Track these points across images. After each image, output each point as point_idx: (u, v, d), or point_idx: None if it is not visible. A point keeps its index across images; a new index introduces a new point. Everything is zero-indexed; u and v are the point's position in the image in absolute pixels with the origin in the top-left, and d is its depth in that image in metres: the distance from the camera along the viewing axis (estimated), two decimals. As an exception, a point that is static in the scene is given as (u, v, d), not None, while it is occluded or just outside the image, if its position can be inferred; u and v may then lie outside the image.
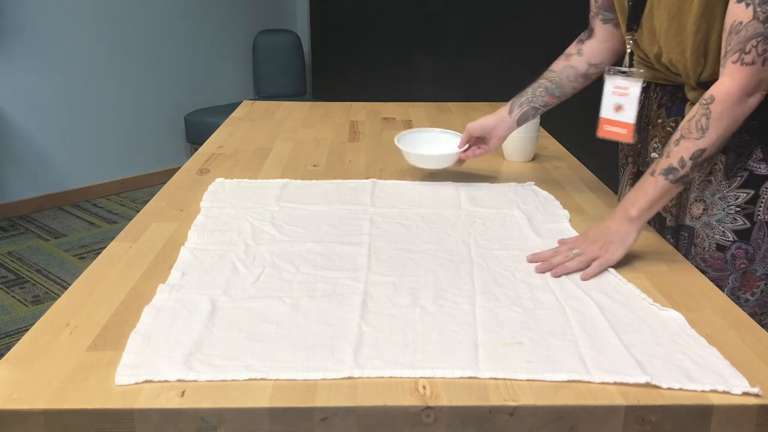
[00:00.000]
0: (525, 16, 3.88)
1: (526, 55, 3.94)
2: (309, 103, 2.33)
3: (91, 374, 0.81)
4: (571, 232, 1.26)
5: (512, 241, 1.22)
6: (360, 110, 2.25)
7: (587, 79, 1.42)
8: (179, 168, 1.64)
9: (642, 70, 1.30)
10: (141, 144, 4.33)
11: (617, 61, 1.37)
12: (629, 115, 1.30)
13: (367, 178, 1.55)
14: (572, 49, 1.44)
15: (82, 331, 0.91)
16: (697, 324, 0.94)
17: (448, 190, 1.49)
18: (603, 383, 0.81)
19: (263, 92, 4.77)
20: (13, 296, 2.98)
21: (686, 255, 1.24)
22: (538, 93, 1.43)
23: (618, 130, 1.32)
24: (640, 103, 1.31)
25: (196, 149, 2.00)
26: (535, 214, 1.34)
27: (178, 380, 0.80)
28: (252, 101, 2.37)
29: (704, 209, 1.22)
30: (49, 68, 3.84)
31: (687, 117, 1.12)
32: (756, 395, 0.78)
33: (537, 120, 1.67)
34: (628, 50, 1.30)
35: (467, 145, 1.51)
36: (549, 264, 1.11)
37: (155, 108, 4.37)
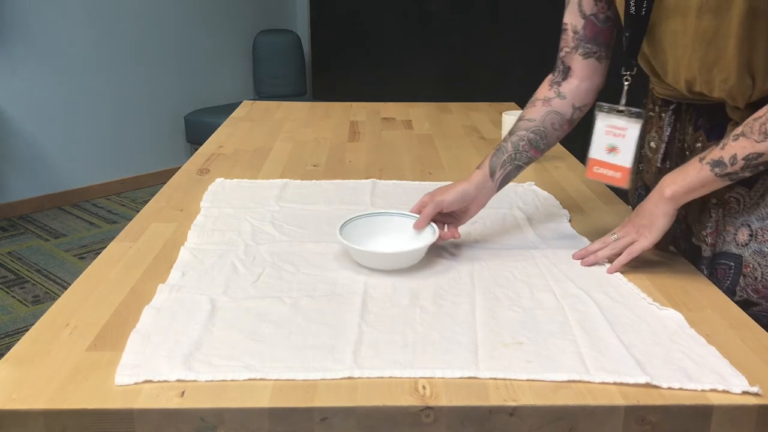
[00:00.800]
0: (525, 16, 3.88)
1: (526, 55, 3.94)
2: (309, 103, 2.33)
3: (91, 374, 0.81)
4: (571, 232, 1.26)
5: (512, 241, 1.22)
6: (360, 110, 2.25)
7: (571, 126, 1.24)
8: (179, 168, 1.64)
9: (641, 111, 1.16)
10: (141, 144, 4.33)
11: (605, 98, 1.23)
12: (625, 158, 1.16)
13: (366, 178, 1.55)
14: (548, 92, 1.23)
15: (82, 331, 0.91)
16: (697, 324, 0.94)
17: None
18: (603, 383, 0.81)
19: (263, 92, 4.77)
20: (13, 296, 2.98)
21: (732, 286, 1.11)
22: (521, 148, 1.20)
23: (610, 173, 1.18)
24: (638, 145, 1.17)
25: (196, 149, 2.00)
26: (535, 214, 1.35)
27: (178, 380, 0.80)
28: (252, 101, 2.37)
29: (751, 235, 1.09)
30: (50, 68, 3.84)
31: (754, 115, 1.01)
32: (756, 394, 0.78)
33: None
34: (626, 86, 1.17)
35: (432, 228, 1.16)
36: (585, 251, 1.10)
37: (155, 108, 4.37)
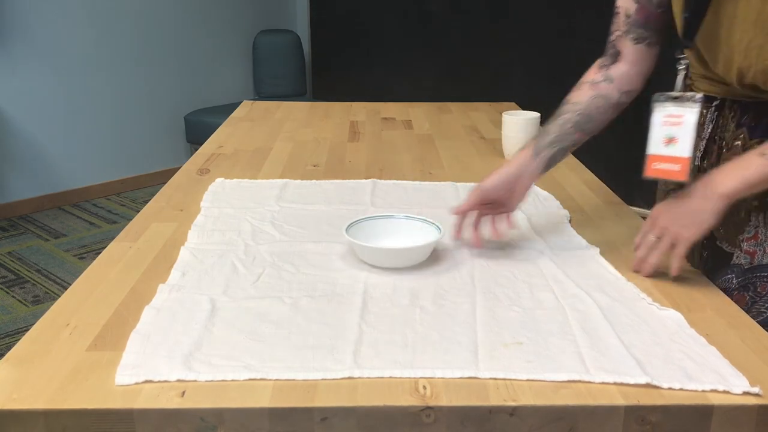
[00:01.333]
0: (525, 16, 3.88)
1: (526, 55, 3.95)
2: (309, 103, 2.33)
3: (91, 374, 0.81)
4: (571, 232, 1.26)
5: (512, 241, 1.22)
6: (360, 110, 2.25)
7: (618, 110, 1.22)
8: (179, 168, 1.64)
9: (698, 95, 1.09)
10: (141, 144, 4.33)
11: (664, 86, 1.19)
12: (684, 147, 1.08)
13: (366, 178, 1.55)
14: (596, 76, 1.22)
15: (82, 331, 0.91)
16: (697, 324, 0.94)
17: (447, 189, 1.49)
18: (603, 383, 0.81)
19: (263, 92, 4.77)
20: (13, 296, 2.98)
21: None
22: (567, 130, 1.18)
23: (669, 167, 1.10)
24: (696, 131, 1.09)
25: (196, 149, 2.00)
26: (535, 214, 1.34)
27: (178, 380, 0.80)
28: (252, 101, 2.37)
29: None
30: (50, 68, 3.84)
31: None
32: (756, 395, 0.78)
33: (537, 120, 1.67)
34: (681, 72, 1.13)
35: (436, 228, 1.14)
36: (639, 262, 1.05)
37: (155, 108, 4.37)
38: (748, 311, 1.08)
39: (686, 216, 1.01)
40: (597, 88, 1.20)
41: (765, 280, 1.08)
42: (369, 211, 1.34)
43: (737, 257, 1.11)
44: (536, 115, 1.69)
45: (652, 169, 1.11)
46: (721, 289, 1.09)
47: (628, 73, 1.20)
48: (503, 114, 1.70)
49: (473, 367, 0.83)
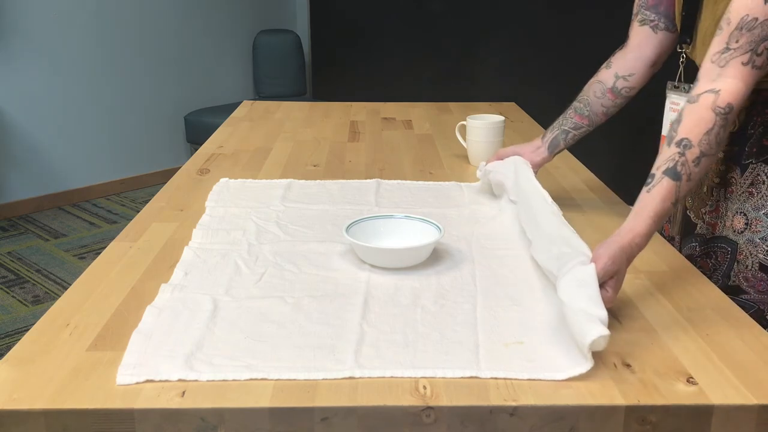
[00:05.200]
0: (525, 16, 3.88)
1: (526, 55, 3.95)
2: (309, 103, 2.33)
3: (91, 374, 0.81)
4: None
5: (513, 241, 1.22)
6: (360, 110, 2.25)
7: (617, 96, 1.27)
8: (179, 168, 1.64)
9: (690, 85, 1.15)
10: (141, 144, 4.33)
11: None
12: None
13: (366, 178, 1.55)
14: (603, 64, 1.31)
15: (82, 331, 0.91)
16: (697, 324, 0.94)
17: (452, 189, 1.49)
18: (604, 378, 0.81)
19: (263, 92, 4.77)
20: (13, 296, 2.98)
21: (727, 271, 1.15)
22: (568, 115, 1.33)
23: None
24: None
25: (196, 149, 2.00)
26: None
27: (180, 380, 0.80)
28: (252, 101, 2.37)
29: (746, 223, 1.12)
30: (49, 68, 3.84)
31: (703, 127, 0.98)
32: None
33: (502, 125, 1.64)
34: (681, 64, 1.20)
35: (436, 229, 1.15)
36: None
37: (155, 108, 4.37)
38: (710, 276, 1.18)
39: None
40: (597, 75, 1.29)
41: (724, 250, 1.15)
42: (373, 211, 1.34)
43: (700, 227, 1.19)
44: (501, 119, 1.66)
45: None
46: (687, 255, 1.19)
47: (628, 58, 1.25)
48: (467, 118, 1.68)
49: (474, 367, 0.83)
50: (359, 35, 4.70)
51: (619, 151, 3.44)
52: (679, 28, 1.18)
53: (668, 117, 1.23)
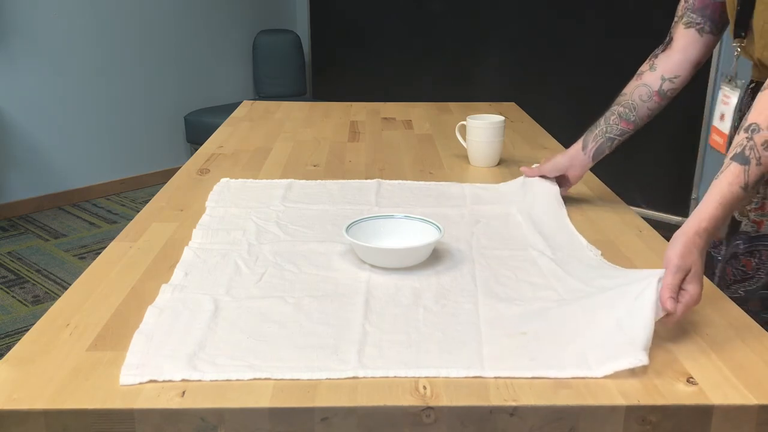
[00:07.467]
0: (525, 16, 3.88)
1: (526, 55, 3.94)
2: (309, 103, 2.33)
3: (92, 374, 0.81)
4: (572, 232, 1.26)
5: (513, 241, 1.22)
6: (360, 110, 2.25)
7: (663, 98, 1.27)
8: (179, 168, 1.64)
9: (742, 81, 1.20)
10: (141, 144, 4.33)
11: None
12: (727, 125, 1.22)
13: (366, 178, 1.55)
14: (644, 65, 1.29)
15: (82, 331, 0.91)
16: (697, 324, 0.94)
17: (453, 189, 1.49)
18: (605, 378, 0.81)
19: (263, 92, 4.77)
20: (13, 296, 2.98)
21: None
22: (612, 122, 1.29)
23: (718, 140, 1.25)
24: (737, 112, 1.20)
25: (196, 149, 2.00)
26: (536, 214, 1.33)
27: (182, 380, 0.80)
28: (252, 101, 2.37)
29: None
30: (49, 68, 3.84)
31: None
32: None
33: (502, 125, 1.64)
34: (735, 58, 1.19)
35: (436, 229, 1.15)
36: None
37: (155, 108, 4.37)
38: (753, 275, 1.17)
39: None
40: (641, 78, 1.28)
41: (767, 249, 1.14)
42: (373, 211, 1.34)
43: (745, 225, 1.17)
44: (501, 119, 1.65)
45: (712, 140, 1.26)
46: (731, 254, 1.17)
47: (673, 60, 1.25)
48: (467, 118, 1.68)
49: (477, 367, 0.83)
50: (359, 35, 4.70)
51: (619, 151, 3.43)
52: (733, 23, 1.17)
53: (719, 110, 1.23)
